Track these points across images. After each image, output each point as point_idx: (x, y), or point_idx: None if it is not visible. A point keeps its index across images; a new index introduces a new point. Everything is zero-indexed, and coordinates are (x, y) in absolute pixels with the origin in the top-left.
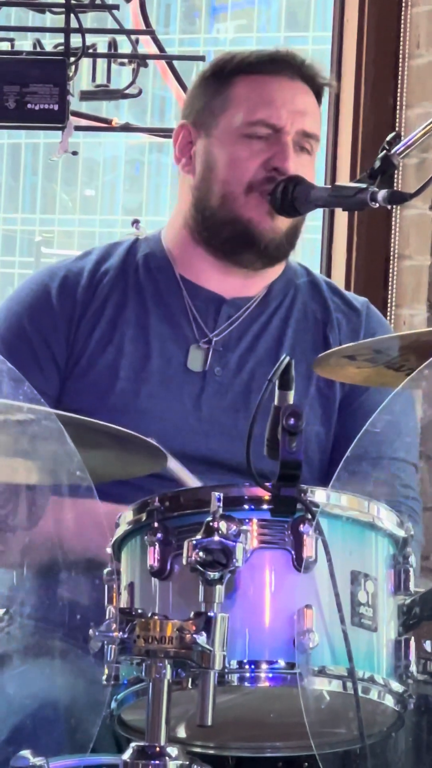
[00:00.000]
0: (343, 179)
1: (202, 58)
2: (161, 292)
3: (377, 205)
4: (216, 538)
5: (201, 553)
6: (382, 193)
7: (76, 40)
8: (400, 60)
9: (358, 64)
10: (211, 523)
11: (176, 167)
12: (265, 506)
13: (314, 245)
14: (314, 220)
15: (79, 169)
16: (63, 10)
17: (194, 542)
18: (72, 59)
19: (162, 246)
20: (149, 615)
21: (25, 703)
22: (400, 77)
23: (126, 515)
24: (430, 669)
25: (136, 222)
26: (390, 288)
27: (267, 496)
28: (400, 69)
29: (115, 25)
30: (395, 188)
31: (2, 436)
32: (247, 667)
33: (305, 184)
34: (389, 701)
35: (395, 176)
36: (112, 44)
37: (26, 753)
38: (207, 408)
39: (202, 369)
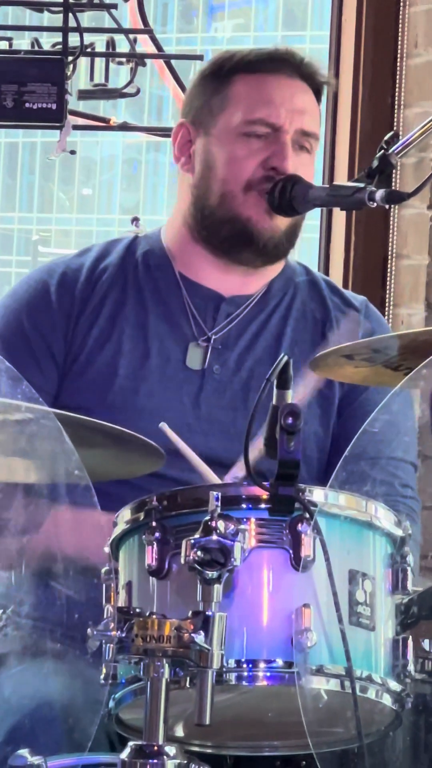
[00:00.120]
0: (341, 179)
1: (200, 57)
2: (160, 290)
3: (375, 204)
4: (214, 537)
5: (199, 552)
6: (380, 193)
7: (73, 40)
8: (398, 59)
9: (356, 63)
10: (209, 523)
11: (174, 166)
12: (263, 505)
13: (312, 244)
14: (312, 219)
15: (77, 168)
16: (61, 9)
17: (192, 541)
18: (70, 58)
19: (161, 244)
20: (147, 614)
21: (23, 702)
22: (398, 77)
23: (124, 514)
24: (427, 668)
25: (135, 219)
26: (388, 287)
27: (265, 495)
28: (398, 68)
29: (113, 24)
30: (393, 188)
31: (0, 435)
32: (245, 666)
33: (303, 184)
34: (387, 700)
35: (393, 176)
36: (110, 43)
37: (24, 752)
38: (206, 406)
39: (201, 367)
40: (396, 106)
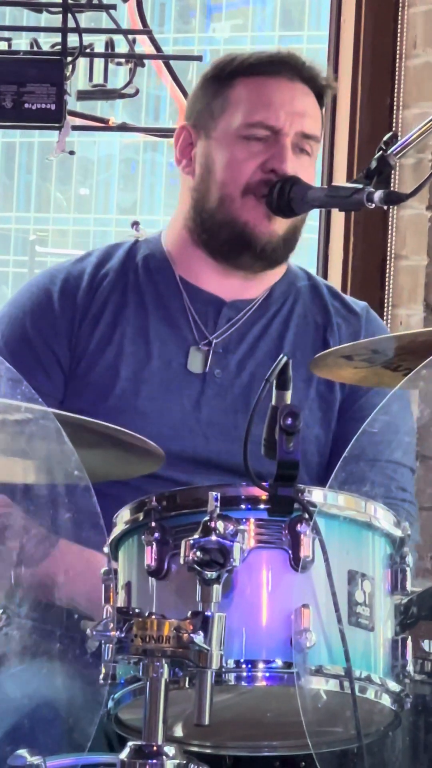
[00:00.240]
0: (340, 180)
1: (199, 58)
2: (161, 294)
3: (374, 205)
4: (213, 537)
5: (198, 553)
6: (378, 194)
7: (72, 40)
8: (397, 60)
9: (354, 64)
10: (208, 523)
11: (171, 166)
12: (262, 506)
13: (311, 245)
14: (311, 220)
15: (74, 168)
16: (60, 9)
17: (191, 542)
18: (69, 59)
19: (162, 247)
20: (146, 614)
21: (23, 702)
22: (396, 77)
23: (123, 514)
24: (426, 668)
25: (136, 224)
26: (387, 288)
27: (264, 495)
28: (396, 69)
29: (111, 24)
30: (392, 188)
31: (0, 435)
32: (244, 666)
33: (302, 185)
34: (386, 700)
35: (392, 176)
36: (109, 44)
37: (23, 752)
38: (207, 410)
39: (202, 371)
40: (395, 107)
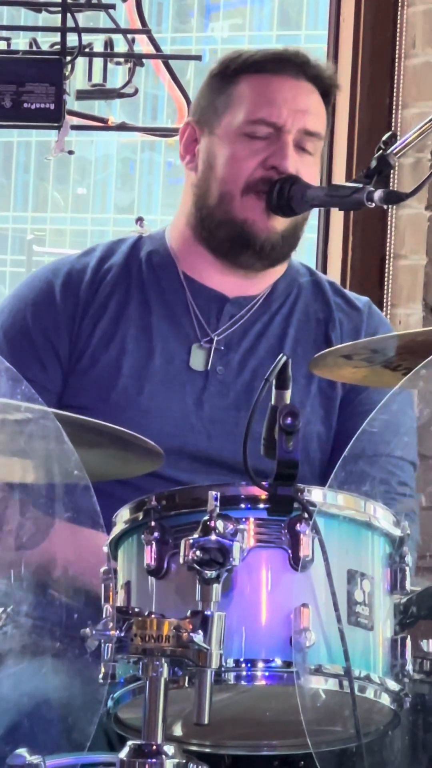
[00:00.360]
0: (339, 179)
1: (198, 58)
2: (164, 290)
3: (373, 204)
4: (213, 537)
5: (198, 552)
6: (378, 193)
7: (71, 40)
8: (396, 60)
9: (354, 63)
10: (208, 522)
11: (169, 166)
12: (261, 505)
13: (310, 245)
14: (310, 219)
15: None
16: (59, 9)
17: (191, 541)
18: (68, 58)
19: (165, 244)
20: (146, 614)
21: (22, 701)
22: (396, 77)
23: (123, 514)
24: (426, 668)
25: (140, 219)
26: (386, 288)
27: (264, 495)
28: (396, 69)
29: (110, 24)
30: (391, 188)
31: (0, 435)
32: (243, 665)
33: (301, 184)
34: (385, 700)
35: (391, 176)
36: (109, 43)
37: (23, 751)
38: (209, 407)
39: (205, 368)
40: (394, 107)
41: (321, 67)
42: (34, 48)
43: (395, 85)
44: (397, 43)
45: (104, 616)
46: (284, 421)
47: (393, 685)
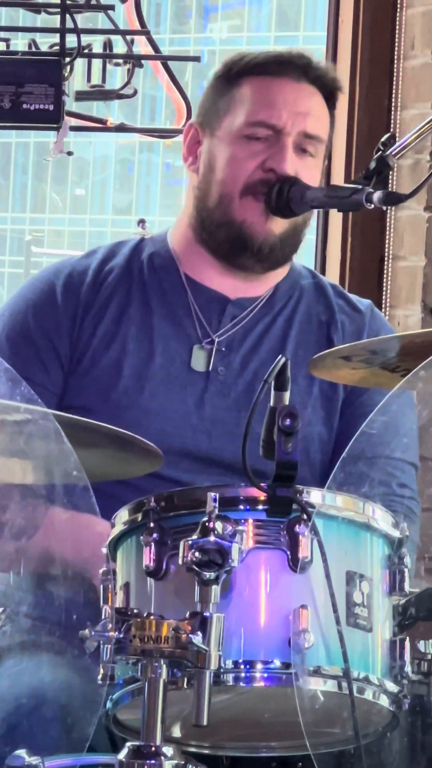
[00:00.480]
0: (338, 180)
1: (197, 59)
2: (165, 291)
3: (372, 206)
4: (212, 538)
5: (197, 553)
6: (377, 194)
7: (69, 40)
8: (395, 61)
9: (353, 65)
10: (206, 524)
11: (167, 167)
12: (260, 507)
13: (309, 246)
14: None
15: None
16: (57, 10)
17: (190, 542)
18: (67, 59)
19: (167, 245)
20: (145, 615)
21: (21, 702)
22: (394, 78)
23: (122, 515)
24: (424, 669)
25: (142, 222)
26: (384, 289)
27: (262, 496)
28: (394, 70)
29: (108, 25)
30: (390, 189)
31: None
32: (242, 667)
33: (300, 185)
34: (384, 701)
35: (390, 177)
36: (107, 44)
37: (22, 752)
38: (210, 407)
39: (206, 369)
40: (393, 108)
41: (324, 70)
42: (33, 49)
43: (394, 87)
44: (396, 44)
45: (103, 617)
46: (283, 422)
47: (392, 687)
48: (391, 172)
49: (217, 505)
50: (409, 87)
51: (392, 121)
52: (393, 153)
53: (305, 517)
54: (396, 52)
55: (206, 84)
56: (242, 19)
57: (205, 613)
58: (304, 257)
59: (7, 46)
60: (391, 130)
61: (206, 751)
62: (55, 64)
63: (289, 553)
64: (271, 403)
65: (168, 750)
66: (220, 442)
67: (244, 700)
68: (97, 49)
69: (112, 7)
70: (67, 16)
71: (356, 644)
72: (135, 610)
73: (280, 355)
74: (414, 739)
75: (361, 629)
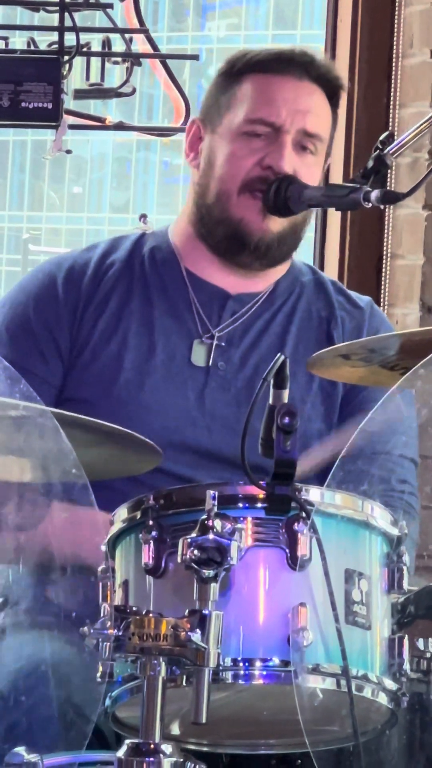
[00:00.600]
0: (336, 179)
1: (195, 57)
2: (166, 286)
3: (371, 204)
4: (211, 536)
5: (196, 551)
6: (375, 193)
7: (68, 39)
8: (394, 59)
9: (351, 63)
10: (205, 521)
11: (165, 165)
12: (259, 504)
13: (307, 244)
14: None
15: (67, 166)
16: (56, 8)
17: (189, 540)
18: (66, 58)
19: (168, 240)
20: (144, 612)
21: (21, 699)
22: (393, 77)
23: (120, 513)
24: (423, 667)
25: (143, 216)
26: (383, 287)
27: (261, 494)
28: (393, 69)
29: (106, 23)
30: (388, 188)
31: None
32: (241, 664)
33: (298, 184)
34: (383, 699)
35: (388, 176)
36: (106, 43)
37: (20, 749)
38: (210, 402)
39: (206, 364)
40: (391, 106)
41: (326, 68)
42: (32, 47)
43: (392, 85)
44: (395, 42)
45: (102, 614)
46: (282, 420)
47: (390, 685)
48: (389, 171)
49: (216, 503)
50: (408, 85)
51: (391, 120)
52: (391, 151)
53: (304, 515)
54: (394, 51)
55: (209, 81)
56: (240, 18)
57: (204, 611)
58: (303, 256)
59: (6, 44)
60: (390, 128)
61: (205, 749)
62: (54, 63)
63: (287, 551)
64: (270, 401)
65: (167, 747)
66: (220, 437)
67: (243, 698)
68: (96, 47)
69: (110, 6)
70: (66, 14)
71: (355, 642)
72: (134, 608)
73: (279, 353)
74: (413, 736)
75: (360, 627)
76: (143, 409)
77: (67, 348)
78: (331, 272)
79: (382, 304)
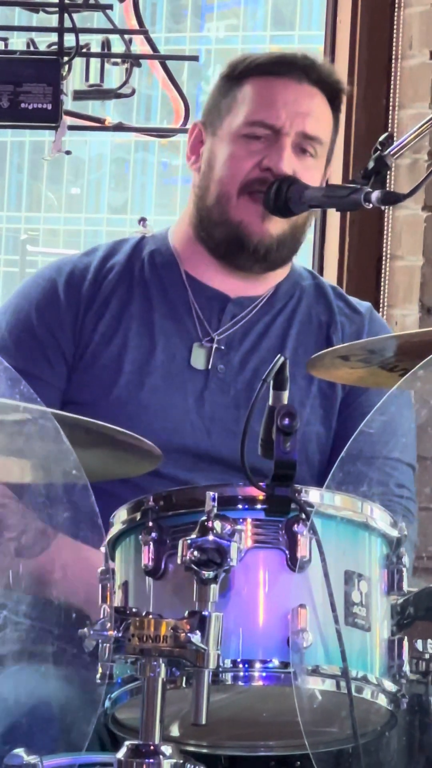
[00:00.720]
0: (336, 180)
1: (195, 58)
2: (166, 289)
3: (370, 205)
4: (210, 537)
5: (195, 553)
6: (375, 194)
7: (67, 40)
8: (393, 61)
9: (351, 64)
10: (205, 523)
11: (164, 166)
12: (259, 506)
13: (307, 245)
14: None
15: (65, 167)
16: (55, 9)
17: (189, 541)
18: (65, 59)
19: (168, 243)
20: (143, 614)
21: (20, 701)
22: (392, 78)
23: (120, 514)
24: (422, 668)
25: (143, 220)
26: (382, 288)
27: (261, 495)
28: (392, 70)
29: (106, 24)
30: (388, 189)
31: None
32: (241, 666)
33: (299, 184)
34: (382, 700)
35: (388, 177)
36: (106, 44)
37: (20, 751)
38: (209, 405)
39: (205, 367)
40: (391, 108)
41: (327, 71)
42: (32, 48)
43: (392, 86)
44: (394, 44)
45: (102, 616)
46: (281, 421)
47: (390, 686)
48: (389, 172)
49: (215, 504)
50: (407, 86)
51: (390, 121)
52: (391, 153)
53: (304, 516)
54: (394, 52)
55: (207, 82)
56: (238, 19)
57: (203, 613)
58: (303, 257)
59: (6, 45)
60: (389, 129)
61: (205, 750)
62: (54, 64)
63: (287, 552)
64: (270, 402)
65: (166, 749)
66: (220, 440)
67: (242, 700)
68: (95, 48)
69: (110, 7)
70: (65, 15)
71: (355, 643)
72: (134, 609)
73: (279, 354)
74: (412, 738)
75: (360, 628)
76: (143, 410)
77: (71, 352)
78: (330, 273)
79: (381, 305)
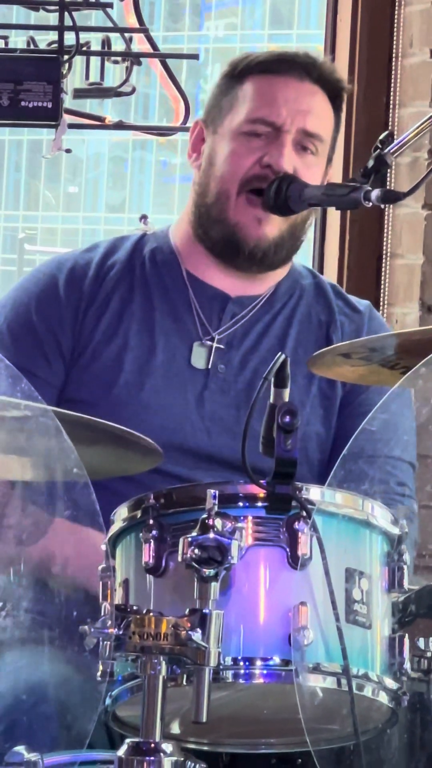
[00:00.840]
0: (336, 178)
1: (195, 57)
2: (167, 288)
3: (370, 204)
4: (211, 535)
5: (196, 550)
6: (375, 192)
7: (67, 38)
8: (393, 59)
9: (351, 63)
10: (206, 521)
11: (164, 164)
12: (260, 504)
13: (307, 244)
14: None
15: (63, 166)
16: (56, 7)
17: (189, 539)
18: (66, 57)
19: (169, 241)
20: (144, 612)
21: (21, 699)
22: (393, 76)
23: (121, 512)
24: (423, 666)
25: (144, 217)
26: (382, 287)
27: (262, 493)
28: (393, 68)
29: (106, 22)
30: (388, 187)
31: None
32: (241, 663)
33: (298, 183)
34: (383, 698)
35: (388, 175)
36: (106, 42)
37: (21, 748)
38: (210, 404)
39: (206, 366)
40: (391, 106)
41: (328, 70)
42: (32, 46)
43: (392, 85)
44: (394, 42)
45: (102, 613)
46: (282, 419)
47: (391, 684)
48: (389, 170)
49: (216, 502)
50: (408, 85)
51: (390, 119)
52: (391, 151)
53: (305, 514)
54: (394, 50)
55: (206, 81)
56: (236, 17)
57: (204, 610)
58: (302, 255)
59: (6, 43)
60: (390, 128)
61: (205, 748)
62: (54, 62)
63: (288, 550)
64: (271, 400)
65: (167, 747)
66: (220, 440)
67: (243, 697)
68: (95, 46)
69: (110, 5)
70: (66, 13)
71: (355, 641)
72: (134, 607)
73: (280, 352)
74: (413, 735)
75: (361, 626)
76: (143, 409)
77: (69, 349)
78: (330, 272)
79: (381, 304)
